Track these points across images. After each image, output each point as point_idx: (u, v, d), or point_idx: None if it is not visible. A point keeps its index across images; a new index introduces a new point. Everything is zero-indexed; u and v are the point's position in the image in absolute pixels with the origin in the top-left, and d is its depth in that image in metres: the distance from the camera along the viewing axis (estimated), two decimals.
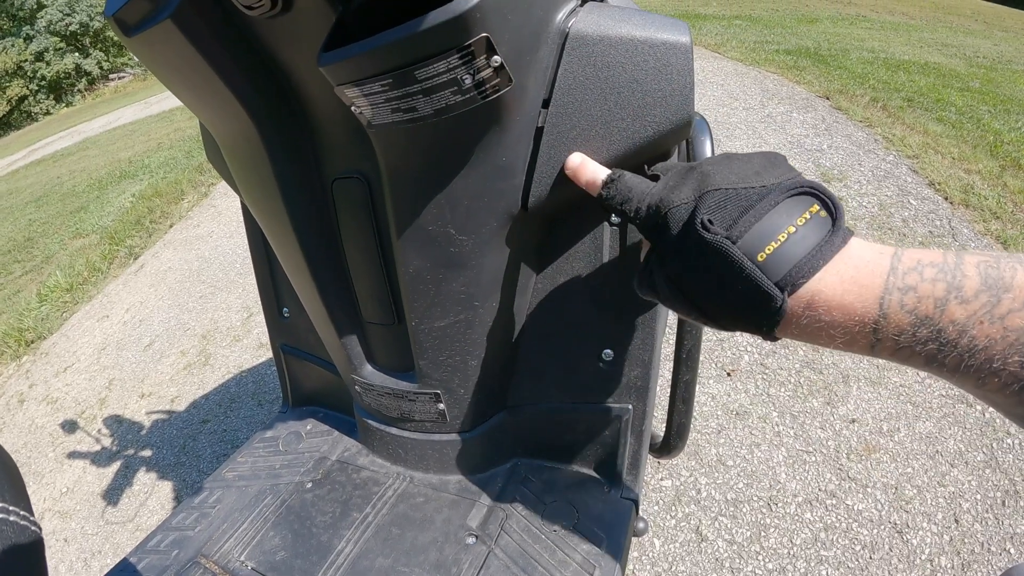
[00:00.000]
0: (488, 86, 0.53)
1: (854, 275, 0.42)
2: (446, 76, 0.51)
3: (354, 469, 0.96)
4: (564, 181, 0.64)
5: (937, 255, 0.40)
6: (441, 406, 0.85)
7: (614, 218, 0.70)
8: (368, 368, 0.91)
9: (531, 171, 0.64)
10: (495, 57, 0.51)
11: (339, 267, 0.84)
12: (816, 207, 0.45)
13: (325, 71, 0.55)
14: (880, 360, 2.20)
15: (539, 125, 0.62)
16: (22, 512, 0.45)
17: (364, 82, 0.53)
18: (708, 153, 0.69)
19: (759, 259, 0.43)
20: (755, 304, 0.44)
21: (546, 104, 0.62)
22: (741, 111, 4.73)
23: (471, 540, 0.79)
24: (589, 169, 0.60)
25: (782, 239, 0.43)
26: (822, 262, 0.42)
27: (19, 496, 0.47)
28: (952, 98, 4.69)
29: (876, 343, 0.41)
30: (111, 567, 0.86)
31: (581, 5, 0.62)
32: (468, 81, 0.52)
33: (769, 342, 0.47)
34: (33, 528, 0.46)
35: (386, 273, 0.79)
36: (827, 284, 0.42)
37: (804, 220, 0.44)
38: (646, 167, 0.57)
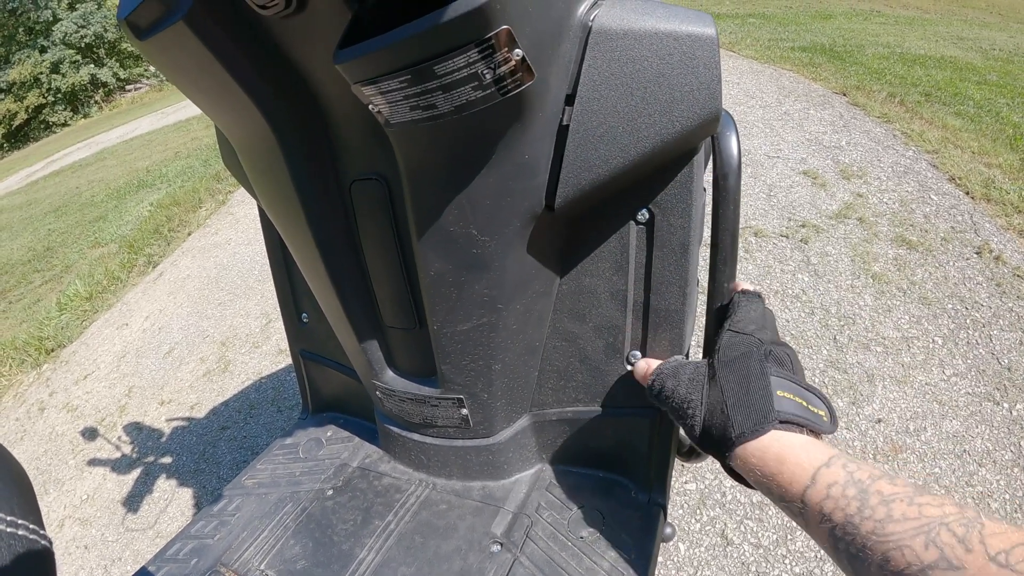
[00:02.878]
0: (510, 81, 0.52)
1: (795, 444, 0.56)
2: (466, 71, 0.50)
3: (375, 476, 0.95)
4: (593, 181, 0.62)
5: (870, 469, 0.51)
6: (464, 411, 0.83)
7: (640, 217, 0.69)
8: (389, 373, 0.89)
9: (556, 170, 0.63)
10: (516, 50, 0.49)
11: (358, 271, 0.82)
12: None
13: (341, 69, 0.53)
14: (904, 359, 2.17)
15: (564, 123, 0.61)
16: (31, 526, 0.44)
17: (381, 79, 0.52)
18: (734, 150, 0.67)
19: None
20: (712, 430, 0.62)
21: (570, 101, 0.60)
22: (758, 109, 4.70)
23: (496, 548, 0.78)
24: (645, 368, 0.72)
25: (781, 394, 0.59)
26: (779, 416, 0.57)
27: (29, 509, 0.46)
28: (970, 92, 4.63)
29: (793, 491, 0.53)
30: (130, 575, 0.85)
31: None
32: (489, 76, 0.50)
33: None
34: (43, 543, 0.44)
35: (407, 276, 0.78)
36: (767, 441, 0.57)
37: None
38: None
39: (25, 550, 0.42)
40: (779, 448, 0.54)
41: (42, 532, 0.45)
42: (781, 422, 0.55)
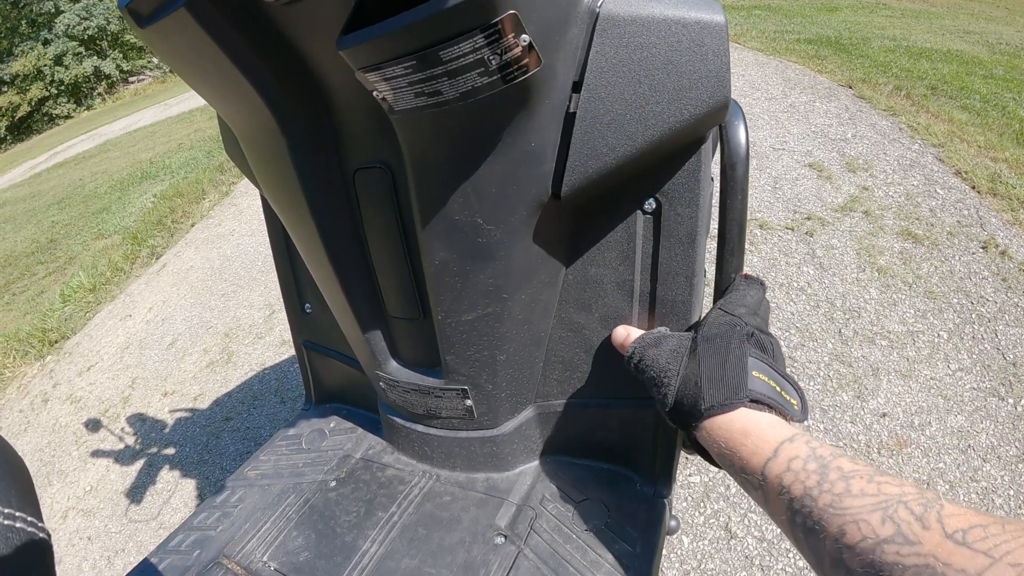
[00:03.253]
0: (516, 67, 0.51)
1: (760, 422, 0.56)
2: (472, 57, 0.49)
3: (379, 467, 0.95)
4: (600, 169, 0.61)
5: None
6: (468, 402, 0.83)
7: (647, 206, 0.68)
8: (393, 364, 0.89)
9: (563, 158, 0.62)
10: (523, 36, 0.49)
11: (362, 260, 0.82)
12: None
13: (345, 55, 0.52)
14: (910, 353, 2.16)
15: (571, 110, 0.60)
16: (30, 519, 0.44)
17: (386, 65, 0.51)
18: (742, 140, 0.67)
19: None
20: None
21: (577, 88, 0.59)
22: (763, 101, 4.68)
23: (500, 540, 0.77)
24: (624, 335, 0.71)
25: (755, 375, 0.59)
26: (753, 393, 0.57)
27: (27, 501, 0.45)
28: (976, 86, 4.61)
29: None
30: (133, 566, 0.85)
31: None
32: (495, 62, 0.50)
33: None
34: (41, 535, 0.44)
35: (411, 266, 0.77)
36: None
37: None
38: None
39: (23, 542, 0.42)
40: (744, 422, 0.55)
41: (40, 524, 0.44)
42: (752, 400, 0.56)
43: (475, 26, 0.47)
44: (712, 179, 0.72)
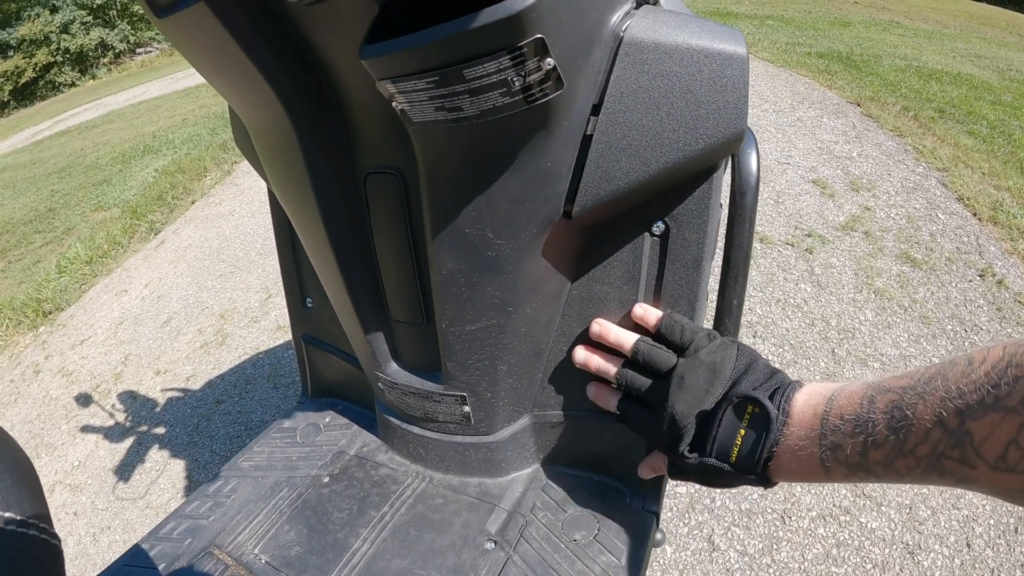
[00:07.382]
0: (538, 89, 0.51)
1: (795, 450, 0.54)
2: (495, 77, 0.50)
3: (373, 466, 0.95)
4: (612, 192, 0.62)
5: (855, 402, 0.51)
6: (466, 408, 0.83)
7: (655, 229, 0.68)
8: (393, 366, 0.89)
9: (577, 179, 0.63)
10: (548, 59, 0.49)
11: (368, 263, 0.82)
12: (751, 407, 0.58)
13: (367, 64, 0.53)
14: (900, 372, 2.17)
15: (588, 132, 0.61)
16: (42, 524, 0.43)
17: (408, 78, 0.52)
18: (754, 168, 0.67)
19: (732, 461, 0.58)
20: (751, 484, 0.60)
21: (596, 111, 0.60)
22: (771, 114, 4.68)
23: (489, 546, 0.78)
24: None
25: (739, 443, 0.58)
26: (769, 451, 0.56)
27: (38, 505, 0.44)
28: (984, 111, 4.62)
29: (832, 479, 0.54)
30: (123, 551, 0.85)
31: (636, 8, 0.60)
32: (518, 83, 0.50)
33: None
34: (52, 541, 0.44)
35: (417, 272, 0.78)
36: (783, 460, 0.56)
37: (746, 422, 0.58)
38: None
39: (34, 551, 0.41)
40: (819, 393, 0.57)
41: (51, 530, 0.44)
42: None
43: (501, 47, 0.47)
44: (721, 205, 0.73)
